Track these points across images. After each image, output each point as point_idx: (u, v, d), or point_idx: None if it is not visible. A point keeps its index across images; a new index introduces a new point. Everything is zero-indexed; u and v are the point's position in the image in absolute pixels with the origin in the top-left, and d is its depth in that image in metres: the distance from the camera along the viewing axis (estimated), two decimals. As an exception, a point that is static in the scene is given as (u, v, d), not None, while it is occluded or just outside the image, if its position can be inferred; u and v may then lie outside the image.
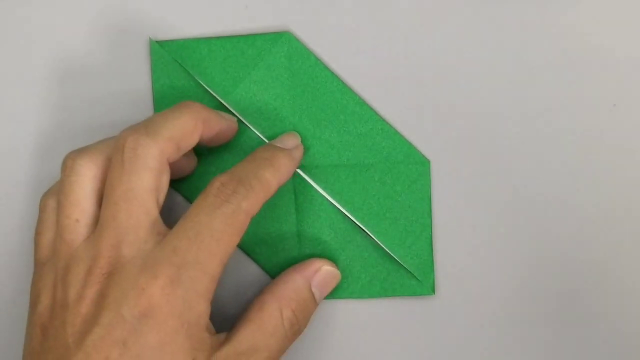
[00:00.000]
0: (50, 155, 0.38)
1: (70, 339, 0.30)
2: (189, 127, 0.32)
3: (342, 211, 0.37)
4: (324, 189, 0.37)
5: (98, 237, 0.31)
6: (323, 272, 0.35)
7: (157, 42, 0.37)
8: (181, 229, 0.31)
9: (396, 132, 0.37)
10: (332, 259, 0.37)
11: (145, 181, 0.31)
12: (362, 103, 0.37)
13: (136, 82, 0.37)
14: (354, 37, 0.37)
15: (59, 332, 0.30)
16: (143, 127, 0.32)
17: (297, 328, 0.34)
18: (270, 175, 0.33)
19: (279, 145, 0.35)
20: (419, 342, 0.37)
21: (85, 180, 0.32)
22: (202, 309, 0.30)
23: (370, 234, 0.37)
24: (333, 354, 0.37)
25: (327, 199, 0.37)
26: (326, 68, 0.37)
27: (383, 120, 0.37)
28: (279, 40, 0.37)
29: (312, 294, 0.35)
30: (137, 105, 0.37)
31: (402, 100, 0.37)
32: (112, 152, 0.32)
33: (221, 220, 0.30)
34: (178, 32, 0.37)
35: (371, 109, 0.37)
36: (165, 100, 0.37)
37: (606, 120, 0.37)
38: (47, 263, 0.32)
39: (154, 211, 0.31)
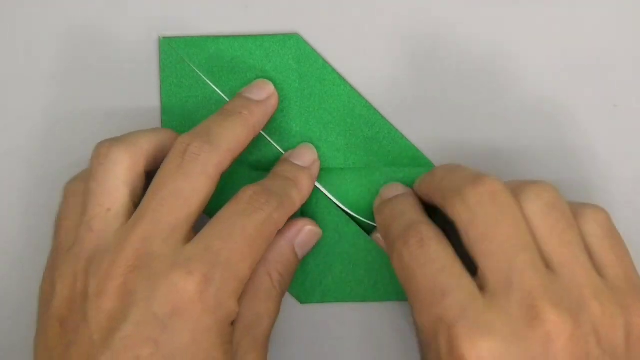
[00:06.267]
0: (57, 153, 0.37)
1: (96, 336, 0.28)
2: (242, 137, 0.33)
3: (347, 214, 0.37)
4: (330, 191, 0.37)
5: (132, 227, 0.30)
6: (305, 232, 0.35)
7: (166, 39, 0.37)
8: (214, 230, 0.30)
9: (402, 137, 0.37)
10: (336, 262, 0.37)
11: (199, 186, 0.31)
12: (369, 107, 0.37)
13: (144, 79, 0.37)
14: (361, 40, 0.38)
15: (81, 327, 0.29)
16: (205, 135, 0.32)
17: (284, 287, 0.34)
18: (295, 195, 0.33)
19: (297, 162, 0.36)
20: (421, 347, 0.37)
21: (121, 169, 0.31)
22: (232, 309, 0.30)
23: (374, 238, 0.37)
24: (336, 357, 0.37)
25: (333, 202, 0.37)
26: (334, 71, 0.37)
27: (390, 124, 0.37)
28: (288, 42, 0.37)
29: (295, 254, 0.35)
30: (145, 101, 0.37)
31: (409, 104, 0.37)
32: (170, 152, 0.32)
33: (254, 226, 0.31)
34: (181, 30, 0.37)
35: (378, 113, 0.37)
36: (173, 97, 0.37)
37: (607, 121, 0.37)
38: (68, 251, 0.31)
39: (194, 216, 0.31)
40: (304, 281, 0.37)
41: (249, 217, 0.31)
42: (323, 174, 0.37)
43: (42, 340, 0.30)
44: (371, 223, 0.37)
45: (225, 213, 0.31)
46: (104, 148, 0.32)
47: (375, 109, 0.37)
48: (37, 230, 0.37)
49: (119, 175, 0.31)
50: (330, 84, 0.37)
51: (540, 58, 0.37)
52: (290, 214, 0.33)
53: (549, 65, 0.37)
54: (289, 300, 0.37)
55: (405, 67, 0.37)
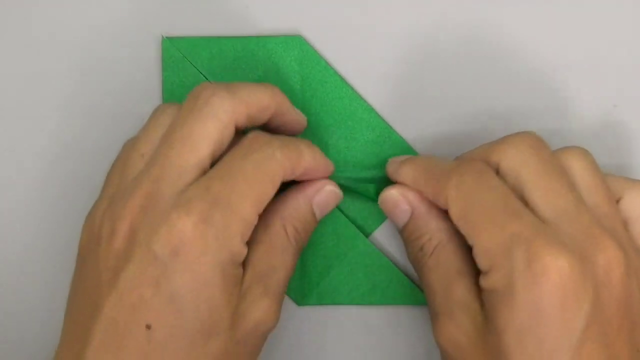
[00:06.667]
0: (59, 153, 0.38)
1: (103, 276, 0.29)
2: (264, 101, 0.32)
3: (346, 217, 0.37)
4: (329, 194, 0.37)
5: (145, 171, 0.30)
6: (325, 192, 0.35)
7: (168, 39, 0.37)
8: (214, 172, 0.30)
9: (403, 140, 0.37)
10: (335, 265, 0.37)
11: (208, 129, 0.30)
12: (371, 110, 0.37)
13: (146, 79, 0.37)
14: (363, 41, 0.38)
15: (93, 268, 0.30)
16: (223, 84, 0.32)
17: (301, 244, 0.34)
18: (304, 148, 0.33)
19: None
20: (419, 350, 0.37)
21: (166, 124, 0.32)
22: (236, 250, 0.30)
23: (372, 242, 0.37)
24: (332, 359, 0.37)
25: (332, 204, 0.37)
26: (336, 74, 0.37)
27: (391, 128, 0.37)
28: (290, 44, 0.37)
29: (313, 213, 0.34)
30: (147, 102, 0.37)
31: (411, 107, 0.37)
32: (187, 97, 0.32)
33: (253, 165, 0.30)
34: (184, 30, 0.38)
35: (379, 116, 0.37)
36: (175, 98, 0.37)
37: (606, 121, 0.37)
38: (100, 196, 0.32)
39: (205, 160, 0.30)
40: (302, 283, 0.37)
41: (248, 157, 0.31)
42: (323, 176, 0.37)
43: (73, 277, 0.31)
44: (375, 201, 0.36)
45: (227, 157, 0.31)
46: (162, 105, 0.33)
47: (376, 112, 0.37)
48: (47, 222, 0.38)
49: (165, 127, 0.32)
50: (332, 86, 0.37)
51: (540, 58, 0.37)
52: (297, 161, 0.32)
53: (549, 66, 0.37)
54: (286, 302, 0.37)
55: (408, 69, 0.37)
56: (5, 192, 0.38)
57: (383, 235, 0.37)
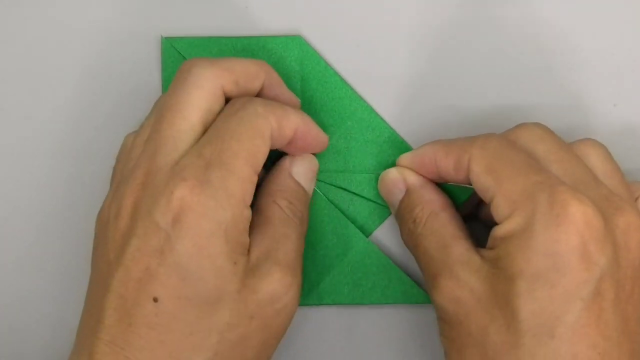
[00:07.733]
0: (59, 152, 0.38)
1: (112, 255, 0.30)
2: (251, 69, 0.33)
3: (346, 217, 0.37)
4: (329, 194, 0.37)
5: (143, 150, 0.31)
6: (299, 159, 0.35)
7: (168, 39, 0.37)
8: (204, 138, 0.31)
9: (403, 141, 0.37)
10: (335, 265, 0.37)
11: (193, 97, 0.31)
12: (371, 110, 0.37)
13: (146, 79, 0.38)
14: (363, 41, 0.38)
15: (103, 249, 0.30)
16: (206, 57, 0.32)
17: (300, 215, 0.34)
18: (291, 109, 0.33)
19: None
20: (419, 350, 0.37)
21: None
22: (238, 211, 0.30)
23: (372, 241, 0.37)
24: (332, 359, 0.37)
25: (331, 204, 0.37)
26: (336, 74, 0.37)
27: (391, 128, 0.37)
28: (291, 44, 0.37)
29: (298, 183, 0.34)
30: (147, 102, 0.37)
31: (412, 107, 0.37)
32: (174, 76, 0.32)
33: (238, 122, 0.31)
34: (183, 31, 0.38)
35: (379, 116, 0.37)
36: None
37: (606, 120, 0.37)
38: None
39: (196, 128, 0.31)
40: (302, 283, 0.37)
41: (233, 117, 0.31)
42: (322, 176, 0.37)
43: (91, 266, 0.32)
44: (379, 203, 0.37)
45: (215, 122, 0.31)
46: (162, 95, 0.34)
47: (376, 113, 0.37)
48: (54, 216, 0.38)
49: None
50: (332, 86, 0.37)
51: (540, 59, 0.37)
52: (283, 117, 0.32)
53: (549, 66, 0.37)
54: (286, 301, 0.37)
55: (408, 69, 0.37)
56: (6, 191, 0.38)
57: (383, 235, 0.37)
